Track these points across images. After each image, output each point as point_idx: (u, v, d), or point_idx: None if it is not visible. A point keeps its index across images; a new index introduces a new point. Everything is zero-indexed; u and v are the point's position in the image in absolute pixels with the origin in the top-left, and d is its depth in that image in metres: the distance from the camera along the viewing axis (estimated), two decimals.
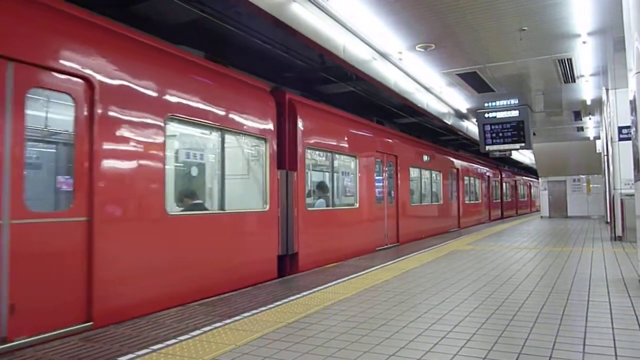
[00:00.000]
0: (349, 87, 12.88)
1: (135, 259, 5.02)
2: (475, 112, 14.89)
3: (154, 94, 5.33)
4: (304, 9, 7.37)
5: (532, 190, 35.37)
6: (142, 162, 5.09)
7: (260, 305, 5.24)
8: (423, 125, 18.36)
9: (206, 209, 6.25)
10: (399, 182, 12.60)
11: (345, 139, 9.85)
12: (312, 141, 8.50)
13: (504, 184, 26.16)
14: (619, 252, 9.43)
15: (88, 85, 4.59)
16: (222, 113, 6.33)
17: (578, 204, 23.42)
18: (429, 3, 7.48)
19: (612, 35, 8.72)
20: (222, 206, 6.28)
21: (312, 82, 13.47)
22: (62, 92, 4.44)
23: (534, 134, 18.96)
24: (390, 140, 12.43)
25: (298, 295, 5.70)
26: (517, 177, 30.45)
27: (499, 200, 25.15)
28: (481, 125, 14.48)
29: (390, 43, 9.23)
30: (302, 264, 7.97)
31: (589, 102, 14.35)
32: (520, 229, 16.42)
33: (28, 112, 4.13)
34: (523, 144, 14.33)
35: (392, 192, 12.32)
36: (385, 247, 11.22)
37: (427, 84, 12.41)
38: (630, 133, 6.52)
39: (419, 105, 12.93)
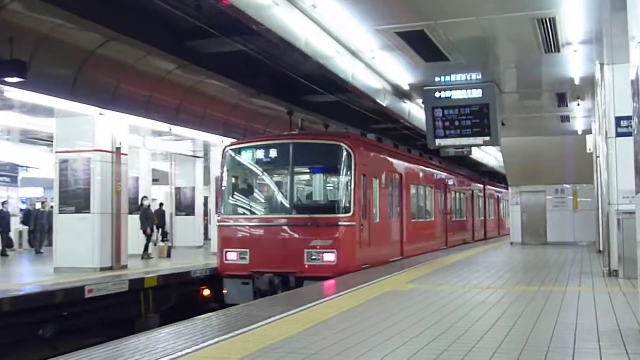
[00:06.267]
0: (237, 44, 12.84)
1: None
2: (422, 90, 15.30)
3: None
4: None
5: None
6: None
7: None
8: (347, 106, 18.76)
9: None
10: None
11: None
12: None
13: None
14: (615, 292, 9.91)
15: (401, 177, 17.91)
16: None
17: (561, 226, 24.40)
18: None
19: None
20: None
21: (184, 36, 13.24)
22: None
23: (503, 124, 19.53)
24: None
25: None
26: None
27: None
28: (430, 108, 14.89)
29: None
30: None
31: (577, 82, 15.11)
32: (483, 261, 17.04)
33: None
34: (487, 139, 14.87)
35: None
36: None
37: (354, 46, 12.59)
38: (632, 126, 6.82)
39: (341, 76, 13.15)
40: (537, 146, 23.31)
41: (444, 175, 26.63)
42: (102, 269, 15.41)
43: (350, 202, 15.05)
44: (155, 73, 16.12)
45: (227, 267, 15.32)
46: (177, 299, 15.18)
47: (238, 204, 16.21)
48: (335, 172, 15.82)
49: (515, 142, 23.08)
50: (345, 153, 15.12)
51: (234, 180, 16.45)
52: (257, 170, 16.16)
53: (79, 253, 15.50)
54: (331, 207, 15.63)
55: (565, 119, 20.21)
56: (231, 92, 18.62)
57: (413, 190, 21.26)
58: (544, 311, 8.06)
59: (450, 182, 27.53)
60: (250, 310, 8.87)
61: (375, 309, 8.49)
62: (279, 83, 17.33)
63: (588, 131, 21.27)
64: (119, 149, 16.26)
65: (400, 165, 19.61)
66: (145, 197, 21.59)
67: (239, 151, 16.12)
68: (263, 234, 15.45)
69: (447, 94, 14.79)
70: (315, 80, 15.91)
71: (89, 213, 15.68)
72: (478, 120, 14.66)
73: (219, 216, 16.36)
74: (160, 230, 23.24)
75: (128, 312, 13.64)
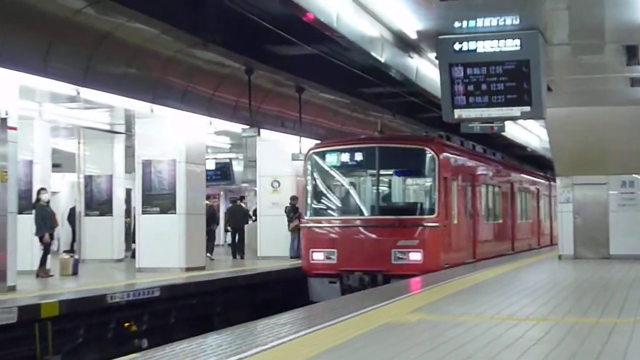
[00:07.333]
0: None
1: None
2: (436, 40, 15.04)
3: None
4: None
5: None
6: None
7: None
8: (329, 61, 19.00)
9: None
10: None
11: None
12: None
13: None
14: None
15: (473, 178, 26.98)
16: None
17: (630, 233, 24.75)
18: None
19: None
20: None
21: None
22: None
23: (550, 89, 19.59)
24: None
25: None
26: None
27: None
28: (446, 66, 14.68)
29: None
30: None
31: None
32: (520, 281, 17.38)
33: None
34: (527, 109, 14.66)
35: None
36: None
37: None
38: None
39: (323, 20, 13.14)
40: (597, 120, 23.31)
41: (510, 173, 33.97)
42: None
43: (434, 204, 21.02)
44: (57, 13, 15.81)
45: (313, 266, 21.24)
46: (86, 333, 15.02)
47: (324, 206, 22.22)
48: (420, 174, 22.40)
49: (566, 113, 22.91)
50: (430, 157, 21.13)
51: (318, 182, 22.22)
52: (343, 172, 22.39)
53: None
54: (416, 208, 22.18)
55: (637, 81, 20.10)
56: (165, 40, 18.55)
57: (483, 191, 28.21)
58: (605, 351, 8.01)
59: (516, 181, 34.34)
60: (193, 347, 8.71)
61: (366, 348, 8.47)
62: (232, 28, 17.44)
63: None
64: (4, 119, 16.06)
65: (471, 165, 26.31)
66: (42, 189, 21.33)
67: (323, 154, 22.08)
68: (350, 234, 21.21)
69: (471, 45, 14.49)
70: (283, 25, 16.01)
71: None
72: (514, 82, 14.41)
73: (303, 218, 22.55)
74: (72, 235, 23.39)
75: (17, 352, 13.44)
